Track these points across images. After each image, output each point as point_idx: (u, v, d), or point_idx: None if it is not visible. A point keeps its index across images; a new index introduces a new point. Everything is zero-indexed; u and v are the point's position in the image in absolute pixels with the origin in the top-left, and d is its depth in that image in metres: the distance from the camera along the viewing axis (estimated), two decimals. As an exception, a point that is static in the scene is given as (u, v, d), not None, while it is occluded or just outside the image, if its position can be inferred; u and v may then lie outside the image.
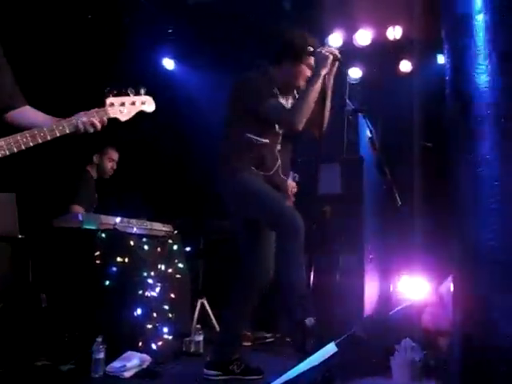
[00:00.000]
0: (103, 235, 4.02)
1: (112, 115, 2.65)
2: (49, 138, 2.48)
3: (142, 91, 2.73)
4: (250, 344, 4.69)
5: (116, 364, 3.68)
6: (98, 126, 2.60)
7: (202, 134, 5.87)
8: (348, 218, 5.14)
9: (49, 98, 4.92)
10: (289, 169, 3.76)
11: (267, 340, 5.00)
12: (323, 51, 3.30)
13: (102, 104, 2.64)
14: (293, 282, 3.25)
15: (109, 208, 4.63)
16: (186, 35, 6.42)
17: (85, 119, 2.55)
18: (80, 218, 4.05)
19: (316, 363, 2.73)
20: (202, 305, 5.10)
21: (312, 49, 3.37)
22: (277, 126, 3.48)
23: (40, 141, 2.45)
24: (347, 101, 3.72)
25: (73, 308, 4.01)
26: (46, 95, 4.94)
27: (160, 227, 4.57)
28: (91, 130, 2.58)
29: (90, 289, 3.94)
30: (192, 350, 4.34)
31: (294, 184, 4.17)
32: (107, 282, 3.92)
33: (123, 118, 2.68)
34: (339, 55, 3.32)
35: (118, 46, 5.97)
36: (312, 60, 3.44)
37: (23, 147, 2.42)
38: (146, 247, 4.15)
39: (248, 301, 3.55)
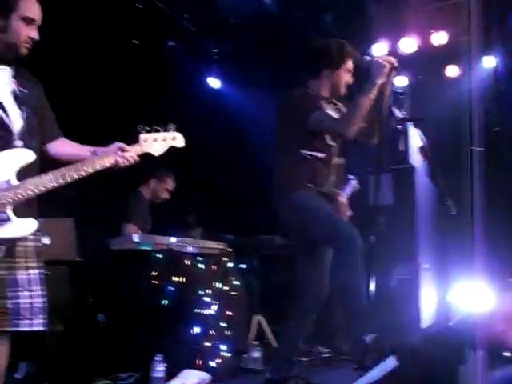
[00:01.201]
0: (159, 255, 4.08)
1: (146, 150, 2.79)
2: (91, 171, 2.60)
3: (172, 128, 2.87)
4: (307, 359, 4.66)
5: (175, 382, 3.71)
6: (132, 161, 2.72)
7: (251, 150, 5.92)
8: (401, 228, 5.09)
9: (90, 124, 5.06)
10: (343, 182, 3.76)
11: (324, 355, 4.96)
12: (380, 60, 3.30)
13: (136, 140, 2.77)
14: (352, 297, 3.22)
15: (163, 228, 4.70)
16: (230, 54, 6.50)
17: (122, 154, 2.68)
18: (135, 239, 4.12)
19: (377, 378, 2.70)
20: (259, 321, 5.09)
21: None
22: (329, 140, 3.48)
23: (83, 174, 2.58)
24: (394, 110, 3.69)
25: (131, 328, 4.08)
26: (87, 122, 5.08)
27: (214, 245, 4.61)
28: (126, 164, 2.71)
29: (148, 308, 4.00)
30: (250, 366, 4.34)
31: (345, 199, 4.16)
32: (164, 302, 3.97)
33: (156, 153, 2.82)
34: (396, 64, 3.32)
35: (164, 70, 6.08)
36: (351, 64, 3.50)
37: (68, 180, 2.55)
38: (201, 266, 4.19)
39: (305, 317, 3.54)
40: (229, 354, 4.15)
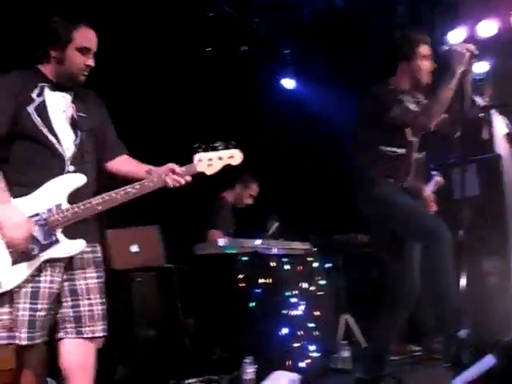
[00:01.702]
0: (245, 258, 4.12)
1: (199, 170, 2.79)
2: (140, 193, 2.66)
3: (232, 145, 2.85)
4: (398, 358, 4.57)
5: (266, 383, 3.73)
6: (183, 182, 2.75)
7: (330, 149, 5.87)
8: (490, 219, 4.92)
9: (163, 136, 5.13)
10: (424, 177, 3.68)
11: (415, 354, 4.85)
12: (459, 48, 3.21)
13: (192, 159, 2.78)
14: (444, 293, 3.14)
15: (246, 231, 4.73)
16: (303, 54, 6.47)
17: (172, 177, 2.71)
18: (221, 243, 4.16)
19: (475, 377, 2.62)
20: (346, 321, 5.05)
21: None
22: (409, 135, 3.41)
23: (132, 196, 2.65)
24: (476, 98, 3.57)
25: (220, 331, 4.13)
26: (160, 135, 5.17)
27: (299, 246, 4.60)
28: (176, 185, 2.74)
29: (236, 311, 4.04)
30: (339, 366, 4.31)
31: (431, 192, 4.06)
32: (252, 304, 4.00)
33: (209, 171, 2.81)
34: (476, 51, 3.21)
35: (237, 76, 6.12)
36: (425, 49, 3.40)
37: (118, 203, 2.63)
38: (286, 267, 4.19)
39: (395, 314, 3.47)
40: (318, 355, 4.14)
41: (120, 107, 3.16)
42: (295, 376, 3.77)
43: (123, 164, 2.89)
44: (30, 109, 2.60)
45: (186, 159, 2.80)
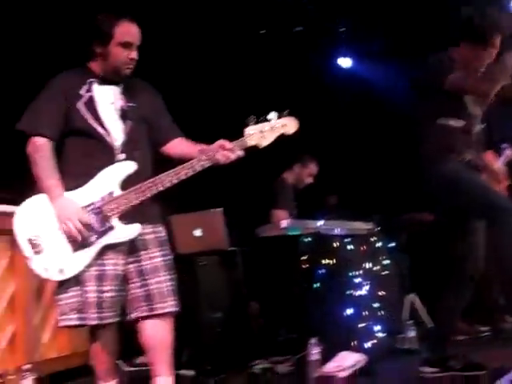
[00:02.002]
0: (308, 239, 4.12)
1: (250, 144, 2.78)
2: (191, 173, 2.73)
3: (285, 113, 2.81)
4: (464, 338, 4.50)
5: (332, 364, 3.72)
6: (234, 157, 2.76)
7: (391, 125, 5.78)
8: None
9: (223, 117, 5.17)
10: (485, 151, 3.57)
11: (483, 334, 4.76)
12: None
13: (242, 133, 2.78)
14: (510, 270, 3.06)
15: (306, 211, 4.73)
16: (358, 31, 6.37)
17: (222, 152, 2.74)
18: (283, 225, 4.18)
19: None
20: (411, 300, 5.00)
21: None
22: (470, 107, 3.31)
23: (183, 177, 2.72)
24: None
25: (285, 313, 4.16)
26: (219, 115, 5.20)
27: (362, 226, 4.57)
28: (228, 162, 2.76)
29: (300, 293, 4.05)
30: (405, 346, 4.27)
31: (502, 166, 3.96)
32: (316, 285, 4.01)
33: (262, 144, 2.79)
34: None
35: (292, 57, 6.08)
36: (497, 42, 3.19)
37: (169, 185, 2.72)
38: (350, 247, 4.17)
39: (460, 293, 3.41)
40: (383, 335, 4.12)
41: (176, 92, 3.22)
42: (361, 356, 3.77)
43: (178, 146, 2.98)
44: (79, 105, 2.75)
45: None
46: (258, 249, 4.41)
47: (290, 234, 4.17)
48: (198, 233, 4.16)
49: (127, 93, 2.87)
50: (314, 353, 3.71)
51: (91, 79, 2.82)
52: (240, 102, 5.53)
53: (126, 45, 2.77)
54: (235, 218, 4.54)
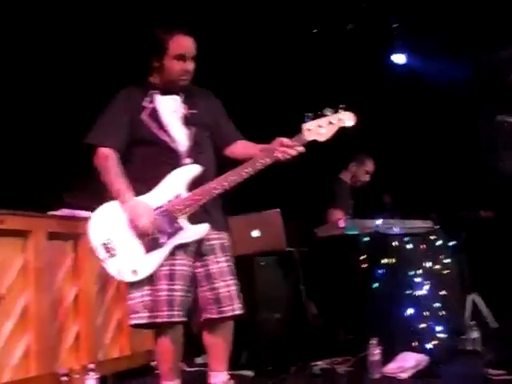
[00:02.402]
0: (366, 239, 4.08)
1: (309, 139, 2.83)
2: (253, 171, 2.83)
3: (341, 108, 2.84)
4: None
5: (393, 365, 3.69)
6: (295, 153, 2.82)
7: (448, 122, 5.66)
8: None
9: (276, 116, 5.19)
10: None
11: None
12: None
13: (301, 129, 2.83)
14: None
15: (365, 211, 4.68)
16: (412, 26, 6.27)
17: (282, 149, 2.81)
18: (342, 225, 4.15)
19: None
20: (473, 300, 4.89)
21: None
22: None
23: (245, 176, 2.83)
24: None
25: (344, 313, 4.13)
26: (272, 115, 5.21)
27: (420, 224, 4.49)
28: (288, 158, 2.83)
29: (359, 292, 4.01)
30: (468, 347, 4.17)
31: None
32: (375, 285, 3.97)
33: (321, 138, 2.83)
34: None
35: (346, 55, 6.04)
36: None
37: (232, 184, 2.83)
38: (409, 246, 4.09)
39: None
40: (445, 335, 4.03)
41: (234, 95, 3.31)
42: (422, 357, 3.71)
43: (239, 148, 3.10)
44: (143, 116, 2.91)
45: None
46: (316, 249, 4.40)
47: (348, 233, 4.14)
48: (255, 233, 4.17)
49: (188, 101, 3.00)
50: (375, 353, 3.67)
51: (152, 91, 2.96)
52: (295, 101, 5.53)
53: (180, 57, 2.88)
54: (293, 219, 4.54)
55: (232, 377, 3.18)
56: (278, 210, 4.24)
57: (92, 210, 3.82)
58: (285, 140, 2.82)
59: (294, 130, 2.85)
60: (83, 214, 3.81)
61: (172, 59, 2.88)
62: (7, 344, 3.25)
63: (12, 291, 3.31)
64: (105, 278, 3.92)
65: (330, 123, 2.82)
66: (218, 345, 3.04)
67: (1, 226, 3.24)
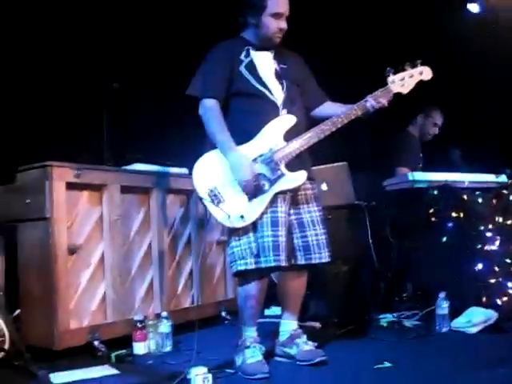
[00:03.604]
0: (435, 192, 4.02)
1: (395, 91, 3.08)
2: (346, 121, 3.03)
3: (418, 62, 3.09)
4: None
5: (461, 319, 3.66)
6: (385, 103, 3.06)
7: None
8: None
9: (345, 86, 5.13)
10: None
11: None
12: None
13: (385, 83, 3.08)
14: None
15: (433, 164, 4.59)
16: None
17: (373, 101, 3.04)
18: (411, 177, 4.09)
19: None
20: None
21: None
22: None
23: (339, 125, 3.02)
24: None
25: (414, 265, 4.11)
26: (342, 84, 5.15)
27: (493, 179, 4.37)
28: (379, 108, 3.05)
29: (429, 245, 3.98)
30: (540, 304, 4.09)
31: None
32: (444, 238, 3.92)
33: (405, 90, 3.09)
34: None
35: (416, 6, 5.86)
36: None
37: (327, 133, 3.02)
38: (480, 200, 4.01)
39: None
40: (517, 292, 3.96)
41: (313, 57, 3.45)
42: (491, 312, 3.67)
43: (327, 109, 3.23)
44: (242, 68, 3.06)
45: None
46: (384, 202, 4.36)
47: (416, 186, 4.08)
48: (323, 187, 4.17)
49: (278, 58, 3.16)
50: (443, 307, 3.66)
51: (247, 46, 3.12)
52: (372, 55, 5.45)
53: (277, 15, 3.04)
54: (361, 172, 4.51)
55: (300, 327, 3.28)
56: (346, 163, 4.22)
57: (161, 164, 3.97)
58: (375, 93, 3.05)
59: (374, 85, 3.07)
60: (154, 168, 3.93)
61: (269, 16, 3.04)
62: (85, 291, 3.44)
63: (89, 242, 3.48)
64: (176, 231, 4.05)
65: (412, 76, 3.08)
66: (293, 293, 3.23)
67: (78, 179, 3.38)
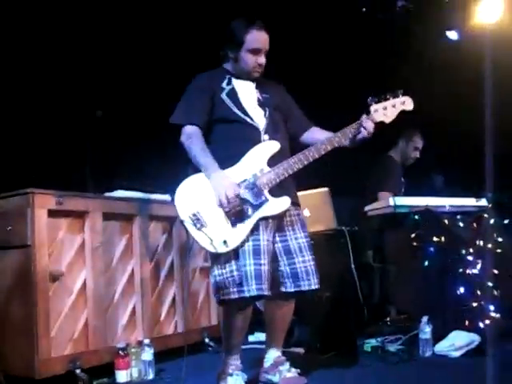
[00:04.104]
0: (416, 217, 4.05)
1: (378, 120, 3.07)
2: (329, 147, 3.02)
3: (400, 92, 3.09)
4: None
5: (444, 343, 3.67)
6: (369, 130, 3.03)
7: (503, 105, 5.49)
8: None
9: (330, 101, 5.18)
10: None
11: None
12: None
13: (368, 111, 3.07)
14: None
15: (415, 190, 4.63)
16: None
17: (355, 127, 3.05)
18: (391, 202, 4.13)
19: None
20: (529, 279, 4.78)
21: None
22: None
23: (323, 152, 3.01)
24: None
25: (396, 290, 4.13)
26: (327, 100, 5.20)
27: (473, 202, 4.42)
28: (362, 137, 3.05)
29: (410, 270, 4.00)
30: (523, 327, 4.11)
31: None
32: (426, 263, 3.94)
33: (387, 120, 3.08)
34: None
35: (397, 33, 5.95)
36: None
37: (310, 159, 3.00)
38: (461, 224, 4.06)
39: None
40: (498, 315, 3.98)
41: (296, 84, 3.56)
42: (474, 336, 3.68)
43: (314, 135, 3.26)
44: (223, 95, 3.09)
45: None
46: (365, 227, 4.39)
47: (397, 211, 4.12)
48: (305, 213, 4.19)
49: (260, 87, 3.19)
50: (426, 331, 3.67)
51: (228, 75, 3.16)
52: (352, 85, 5.53)
53: (255, 51, 3.07)
54: (342, 197, 4.54)
55: (283, 354, 3.27)
56: (327, 189, 4.25)
57: (144, 191, 3.98)
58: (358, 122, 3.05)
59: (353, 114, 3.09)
60: (137, 195, 3.94)
61: (247, 52, 3.07)
62: (67, 318, 3.40)
63: (71, 269, 3.46)
64: (158, 257, 4.04)
65: (394, 106, 3.08)
66: (279, 321, 3.22)
67: (60, 207, 3.38)
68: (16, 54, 4.42)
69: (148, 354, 3.47)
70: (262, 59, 3.10)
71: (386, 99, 3.09)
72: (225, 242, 2.87)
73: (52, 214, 3.34)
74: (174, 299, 4.14)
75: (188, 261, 4.11)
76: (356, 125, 3.06)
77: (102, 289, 3.58)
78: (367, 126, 3.03)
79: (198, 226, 2.88)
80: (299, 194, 3.27)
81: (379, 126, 3.10)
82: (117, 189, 3.91)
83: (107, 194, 3.85)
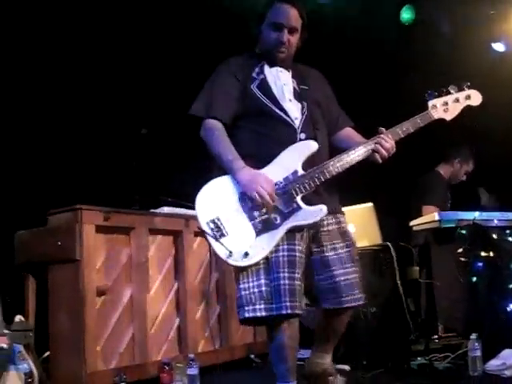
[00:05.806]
0: (463, 231, 3.98)
1: (436, 117, 2.72)
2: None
3: (465, 85, 2.75)
4: None
5: (495, 362, 3.57)
6: (389, 147, 2.67)
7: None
8: None
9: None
10: None
11: None
12: None
13: (425, 108, 2.73)
14: None
15: (464, 204, 4.56)
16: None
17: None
18: (437, 217, 4.06)
19: None
20: None
21: None
22: None
23: (362, 157, 2.66)
24: None
25: (443, 308, 4.05)
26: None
27: (521, 216, 4.32)
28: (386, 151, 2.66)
29: (458, 286, 3.92)
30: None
31: None
32: (474, 278, 3.86)
33: (448, 117, 2.74)
34: None
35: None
36: None
37: (347, 166, 2.64)
38: (509, 239, 3.96)
39: None
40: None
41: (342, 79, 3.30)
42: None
43: (345, 138, 2.89)
44: (253, 87, 2.72)
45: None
46: (411, 243, 4.33)
47: (444, 226, 4.05)
48: (350, 228, 4.16)
49: (297, 76, 2.82)
50: (475, 349, 3.58)
51: (261, 62, 2.78)
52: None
53: (276, 26, 2.70)
54: (388, 213, 4.49)
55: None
56: (372, 204, 4.22)
57: (190, 208, 4.01)
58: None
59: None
60: (182, 211, 3.98)
61: (267, 27, 2.73)
62: (114, 332, 3.45)
63: (118, 284, 3.52)
64: (205, 273, 4.06)
65: (457, 101, 2.75)
66: (329, 335, 2.85)
67: (108, 222, 3.44)
68: (65, 75, 4.55)
69: (193, 369, 3.48)
70: (285, 37, 2.69)
71: (448, 93, 2.73)
72: (246, 254, 2.51)
73: (99, 229, 3.41)
74: (219, 315, 4.15)
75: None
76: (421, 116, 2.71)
77: (147, 303, 3.62)
78: (383, 143, 2.66)
79: (218, 234, 2.52)
80: (345, 208, 2.90)
81: (440, 121, 2.73)
82: (162, 205, 3.96)
83: (153, 211, 3.90)
